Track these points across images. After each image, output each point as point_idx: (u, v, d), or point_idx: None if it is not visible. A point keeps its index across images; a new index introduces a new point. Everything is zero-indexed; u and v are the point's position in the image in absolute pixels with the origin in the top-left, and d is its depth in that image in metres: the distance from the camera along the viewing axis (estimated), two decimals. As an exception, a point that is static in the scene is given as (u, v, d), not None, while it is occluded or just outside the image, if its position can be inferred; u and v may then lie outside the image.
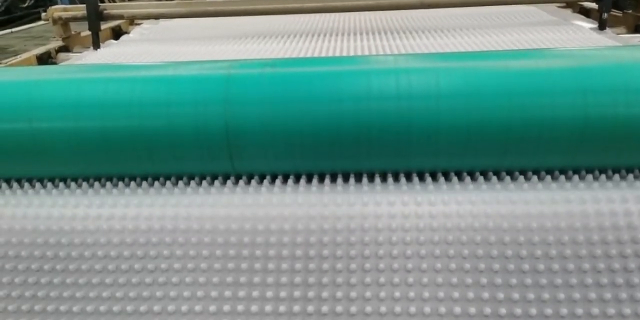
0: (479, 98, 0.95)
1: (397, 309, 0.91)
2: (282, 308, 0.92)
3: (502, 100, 0.94)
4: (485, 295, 0.91)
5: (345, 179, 1.06)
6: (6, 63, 2.02)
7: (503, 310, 0.90)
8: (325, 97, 0.98)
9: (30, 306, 0.96)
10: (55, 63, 2.18)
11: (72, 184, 1.09)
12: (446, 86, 0.95)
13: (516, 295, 0.90)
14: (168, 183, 1.07)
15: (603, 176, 1.02)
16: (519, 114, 0.93)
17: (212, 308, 0.94)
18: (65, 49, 2.32)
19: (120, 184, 1.08)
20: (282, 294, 0.93)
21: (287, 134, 0.98)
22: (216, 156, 1.01)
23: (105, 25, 2.49)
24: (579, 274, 0.91)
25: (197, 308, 0.94)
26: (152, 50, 2.03)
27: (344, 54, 1.81)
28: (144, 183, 1.07)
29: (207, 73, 1.03)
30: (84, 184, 1.09)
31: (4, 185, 1.10)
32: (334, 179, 1.06)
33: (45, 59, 2.17)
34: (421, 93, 0.95)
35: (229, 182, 1.06)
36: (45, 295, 0.96)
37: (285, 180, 1.06)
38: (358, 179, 1.06)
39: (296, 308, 0.92)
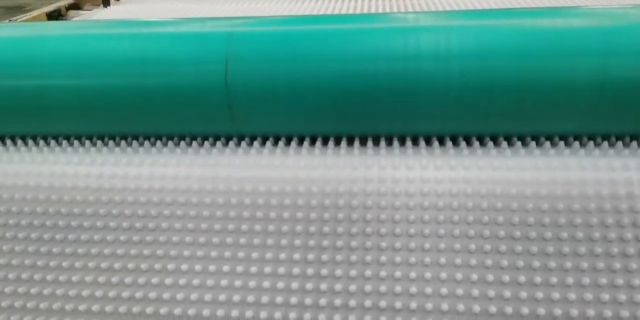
0: (491, 59, 0.90)
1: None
2: (281, 270, 0.91)
3: (516, 61, 0.89)
4: (489, 262, 0.89)
5: (350, 142, 1.03)
6: (16, 20, 2.00)
7: (507, 278, 0.88)
8: (329, 56, 0.94)
9: (33, 261, 0.97)
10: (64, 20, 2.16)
11: (75, 142, 1.09)
12: (458, 46, 0.91)
13: (521, 262, 0.88)
14: (170, 143, 1.06)
15: (615, 143, 0.98)
16: (533, 76, 0.88)
17: (212, 268, 0.93)
18: (75, 6, 2.29)
19: (123, 142, 1.07)
20: (282, 256, 0.92)
21: (289, 94, 0.95)
22: (217, 116, 0.98)
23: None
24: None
25: (197, 267, 0.93)
26: (161, 8, 1.99)
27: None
28: (146, 142, 1.06)
29: (208, 30, 1.00)
30: (87, 142, 1.09)
31: (8, 142, 1.10)
32: (337, 142, 1.03)
33: (55, 17, 2.15)
34: (431, 53, 0.91)
35: (230, 143, 1.05)
36: (47, 251, 0.97)
37: (288, 142, 1.04)
38: (363, 143, 1.03)
39: (296, 270, 0.91)
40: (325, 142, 1.04)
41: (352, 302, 0.87)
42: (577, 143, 0.99)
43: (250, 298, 0.89)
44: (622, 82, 0.89)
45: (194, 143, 1.06)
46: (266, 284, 0.91)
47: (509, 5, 1.77)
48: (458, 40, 0.91)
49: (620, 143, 0.98)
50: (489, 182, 0.92)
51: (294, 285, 0.90)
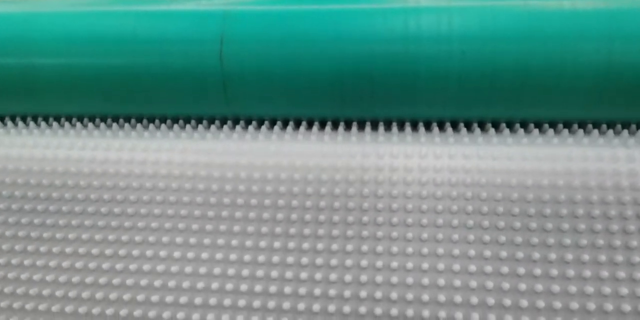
0: (494, 41, 0.87)
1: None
2: (275, 258, 0.89)
3: (520, 44, 0.86)
4: (488, 253, 0.86)
5: (348, 127, 1.00)
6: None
7: (506, 269, 0.86)
8: (328, 37, 0.91)
9: (24, 246, 0.95)
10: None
11: (66, 124, 1.07)
12: (459, 28, 0.87)
13: (521, 254, 0.86)
14: (163, 126, 1.03)
15: (621, 131, 0.96)
16: (537, 59, 0.85)
17: (204, 255, 0.91)
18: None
19: (115, 125, 1.05)
20: (276, 244, 0.90)
21: (286, 75, 0.92)
22: (212, 98, 0.96)
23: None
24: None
25: (190, 255, 0.92)
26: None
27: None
28: (139, 125, 1.04)
29: (204, 9, 0.96)
30: (78, 124, 1.06)
31: (-3, 123, 1.09)
32: (335, 126, 1.00)
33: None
34: (432, 35, 0.87)
35: (225, 127, 1.02)
36: (38, 236, 0.95)
37: (284, 126, 1.01)
38: (361, 128, 1.01)
39: (290, 259, 0.90)
40: (322, 126, 1.01)
41: (347, 293, 0.86)
42: (580, 131, 0.96)
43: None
44: (628, 66, 0.86)
45: (188, 126, 1.03)
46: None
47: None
48: (460, 22, 0.88)
49: (625, 131, 0.96)
50: (489, 172, 0.89)
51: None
